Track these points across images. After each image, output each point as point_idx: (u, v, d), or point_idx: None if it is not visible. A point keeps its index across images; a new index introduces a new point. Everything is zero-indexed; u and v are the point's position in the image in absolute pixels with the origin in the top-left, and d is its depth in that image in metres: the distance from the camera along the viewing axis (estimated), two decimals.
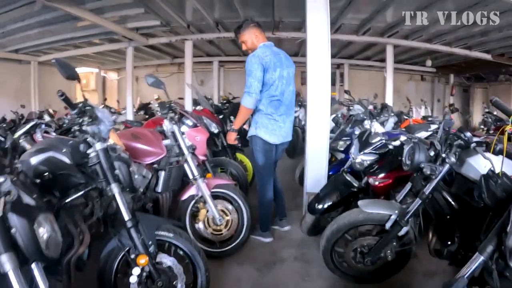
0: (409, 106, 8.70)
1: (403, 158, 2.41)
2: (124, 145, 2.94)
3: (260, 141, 3.17)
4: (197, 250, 2.24)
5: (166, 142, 3.06)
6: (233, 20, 6.53)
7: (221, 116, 6.37)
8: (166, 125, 3.05)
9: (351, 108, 5.07)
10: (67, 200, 2.01)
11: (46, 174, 2.05)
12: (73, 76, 1.94)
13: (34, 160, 2.13)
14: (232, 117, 5.56)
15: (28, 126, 4.11)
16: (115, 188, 2.02)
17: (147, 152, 2.94)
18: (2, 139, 4.62)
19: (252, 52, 3.06)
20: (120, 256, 2.09)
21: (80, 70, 13.49)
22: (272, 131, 3.15)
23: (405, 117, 5.92)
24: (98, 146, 2.04)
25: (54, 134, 3.72)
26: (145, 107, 10.06)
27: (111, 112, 8.09)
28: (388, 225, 2.35)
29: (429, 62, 9.92)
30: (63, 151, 2.11)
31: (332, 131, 4.56)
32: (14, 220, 1.26)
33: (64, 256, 1.86)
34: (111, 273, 2.10)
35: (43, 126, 4.70)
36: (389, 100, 7.57)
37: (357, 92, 8.54)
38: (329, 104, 3.66)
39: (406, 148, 2.41)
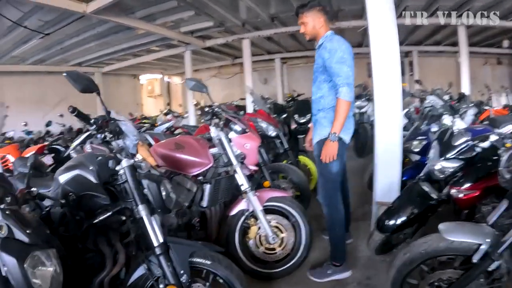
0: (488, 94, 7.49)
1: (500, 170, 1.85)
2: (166, 156, 2.75)
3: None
4: (238, 279, 1.94)
5: (214, 150, 2.77)
6: (289, 14, 6.19)
7: (284, 116, 6.09)
8: (213, 131, 2.75)
9: (424, 100, 4.40)
10: (95, 221, 1.88)
11: (70, 194, 1.92)
12: (89, 89, 1.72)
13: (62, 179, 2.03)
14: (296, 116, 5.28)
15: (83, 137, 4.14)
16: (142, 211, 1.80)
17: (192, 163, 2.67)
18: (63, 149, 4.79)
19: (334, 36, 2.62)
20: (149, 284, 1.86)
21: (144, 77, 14.08)
22: (348, 129, 2.65)
23: (485, 107, 5.14)
24: (124, 163, 1.83)
25: (95, 145, 3.62)
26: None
27: (174, 116, 8.18)
28: (476, 258, 1.78)
29: (506, 43, 8.73)
30: (90, 168, 1.95)
31: (405, 128, 3.95)
32: (4, 258, 1.14)
33: (96, 276, 1.82)
34: None
35: (98, 136, 4.76)
36: (465, 89, 6.66)
37: (429, 81, 7.73)
38: (401, 97, 3.11)
39: (505, 156, 1.84)
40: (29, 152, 4.39)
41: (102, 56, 8.28)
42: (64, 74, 1.69)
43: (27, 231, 1.21)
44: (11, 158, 4.52)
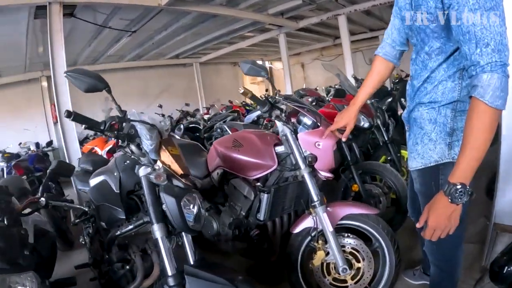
0: None
1: None
2: (224, 155, 2.35)
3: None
4: None
5: (280, 149, 2.23)
6: None
7: (389, 100, 5.23)
8: (278, 126, 2.19)
9: None
10: (117, 233, 1.73)
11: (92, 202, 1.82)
12: (95, 87, 1.40)
13: (92, 183, 1.90)
14: (403, 99, 4.52)
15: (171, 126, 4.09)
16: (157, 231, 1.46)
17: (251, 165, 2.21)
18: None
19: None
20: None
21: None
22: None
23: None
24: (141, 171, 1.48)
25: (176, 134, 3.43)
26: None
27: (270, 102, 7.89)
28: None
29: None
30: (115, 175, 1.72)
31: None
32: None
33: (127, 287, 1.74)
34: None
35: (181, 126, 4.67)
36: None
37: None
38: None
39: None
40: (109, 145, 4.51)
41: (197, 46, 8.41)
42: (64, 74, 1.41)
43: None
44: (98, 150, 4.74)
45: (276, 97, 2.20)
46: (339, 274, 2.03)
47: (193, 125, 5.41)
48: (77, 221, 2.50)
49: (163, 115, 8.13)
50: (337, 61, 12.34)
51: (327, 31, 9.36)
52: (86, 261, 2.59)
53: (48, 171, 1.75)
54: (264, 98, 2.19)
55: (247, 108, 8.62)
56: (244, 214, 2.25)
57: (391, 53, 1.74)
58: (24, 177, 4.47)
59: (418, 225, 1.25)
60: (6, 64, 7.47)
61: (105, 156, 4.53)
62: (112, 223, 1.74)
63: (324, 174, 2.23)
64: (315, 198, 2.00)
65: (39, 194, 1.72)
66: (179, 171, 1.56)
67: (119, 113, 1.52)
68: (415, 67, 1.51)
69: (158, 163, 1.49)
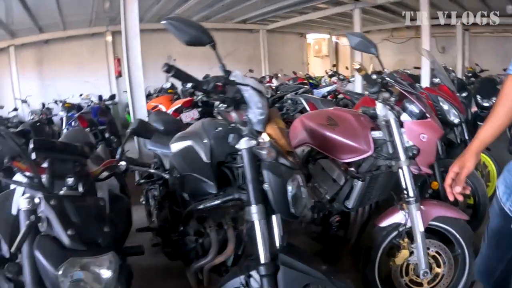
0: None
1: None
2: (314, 131, 2.15)
3: None
4: None
5: (377, 134, 2.02)
6: None
7: (464, 94, 4.80)
8: (379, 109, 1.98)
9: None
10: (199, 207, 1.62)
11: (175, 170, 1.72)
12: (199, 40, 1.24)
13: (174, 148, 1.74)
14: (479, 96, 4.26)
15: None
16: (254, 213, 1.31)
17: (346, 147, 2.02)
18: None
19: None
20: None
21: (311, 36, 13.64)
22: None
23: None
24: (243, 144, 1.30)
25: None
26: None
27: (339, 79, 7.59)
28: None
29: None
30: (204, 142, 1.54)
31: None
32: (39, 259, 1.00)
33: (195, 262, 1.72)
34: None
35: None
36: None
37: None
38: None
39: None
40: (177, 105, 4.44)
41: (267, 13, 8.14)
42: (164, 21, 1.22)
43: (68, 232, 1.00)
44: (162, 108, 4.67)
45: (387, 78, 1.96)
46: (417, 276, 1.92)
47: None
48: (142, 181, 2.41)
49: None
50: (408, 44, 11.56)
51: (403, 11, 8.68)
52: (144, 223, 2.53)
53: (128, 130, 1.58)
54: (378, 79, 1.96)
55: (310, 81, 8.32)
56: (328, 198, 2.08)
57: None
58: (88, 129, 4.44)
59: None
60: (72, 18, 7.56)
61: None
62: (197, 196, 1.59)
63: (424, 169, 2.06)
64: (411, 193, 1.85)
65: (118, 156, 1.55)
66: (286, 147, 1.36)
67: (223, 73, 1.32)
68: None
69: (264, 136, 1.29)
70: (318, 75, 10.12)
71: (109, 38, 9.10)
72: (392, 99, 1.95)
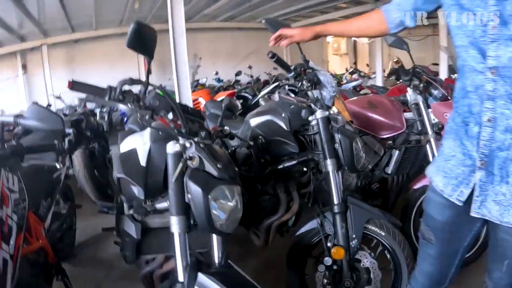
0: None
1: None
2: (357, 113, 2.64)
3: None
4: (407, 259, 1.76)
5: (408, 115, 2.55)
6: None
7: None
8: (410, 94, 2.51)
9: None
10: (279, 167, 1.98)
11: (260, 137, 2.03)
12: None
13: (253, 122, 2.14)
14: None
15: (272, 86, 4.37)
16: (330, 165, 1.75)
17: (384, 125, 2.52)
18: (250, 97, 5.20)
19: None
20: (316, 239, 1.85)
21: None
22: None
23: None
24: (319, 114, 1.79)
25: (292, 96, 3.75)
26: (397, 72, 9.34)
27: (360, 76, 7.97)
28: None
29: None
30: (282, 116, 2.00)
31: None
32: (190, 187, 1.18)
33: (267, 219, 1.95)
34: (302, 253, 1.89)
35: (286, 87, 4.96)
36: None
37: None
38: None
39: None
40: (220, 97, 4.90)
41: (290, 13, 8.42)
42: (263, 20, 1.71)
43: (218, 166, 1.21)
44: (202, 101, 5.14)
45: (417, 69, 2.50)
46: None
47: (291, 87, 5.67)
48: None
49: (251, 76, 8.49)
50: (426, 41, 11.79)
51: None
52: None
53: (223, 105, 2.05)
54: (410, 69, 2.47)
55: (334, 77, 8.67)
56: (370, 167, 2.52)
57: (392, 15, 1.31)
58: None
59: None
60: (104, 18, 7.82)
61: None
62: (281, 156, 2.01)
63: None
64: None
65: (218, 123, 2.03)
66: (348, 118, 1.86)
67: (304, 62, 1.83)
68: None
69: (334, 108, 1.80)
70: (338, 73, 10.38)
71: None
72: (421, 85, 2.48)
